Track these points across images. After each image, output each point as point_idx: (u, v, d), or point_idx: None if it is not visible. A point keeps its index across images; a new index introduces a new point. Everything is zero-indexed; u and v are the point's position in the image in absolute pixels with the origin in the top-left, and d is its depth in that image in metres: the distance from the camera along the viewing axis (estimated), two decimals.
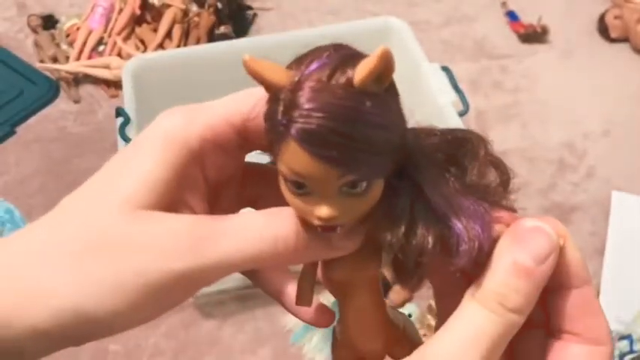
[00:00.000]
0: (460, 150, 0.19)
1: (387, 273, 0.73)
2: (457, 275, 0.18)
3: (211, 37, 0.99)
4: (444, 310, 0.20)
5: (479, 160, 0.19)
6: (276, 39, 0.77)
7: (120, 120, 0.64)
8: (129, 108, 0.65)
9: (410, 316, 0.68)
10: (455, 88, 0.68)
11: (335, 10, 1.11)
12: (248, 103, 0.19)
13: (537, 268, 0.18)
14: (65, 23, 1.01)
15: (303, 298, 0.22)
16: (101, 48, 0.98)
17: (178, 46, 0.98)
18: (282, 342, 0.68)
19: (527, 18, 1.06)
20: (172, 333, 0.69)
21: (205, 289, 0.71)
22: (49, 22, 1.02)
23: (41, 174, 0.85)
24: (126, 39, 0.99)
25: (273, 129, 0.16)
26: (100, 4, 0.99)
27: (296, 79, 0.16)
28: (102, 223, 0.17)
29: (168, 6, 1.00)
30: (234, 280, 0.72)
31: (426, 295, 0.71)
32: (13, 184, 0.84)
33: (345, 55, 0.18)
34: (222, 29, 1.00)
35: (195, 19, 1.01)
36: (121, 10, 1.00)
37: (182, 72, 0.74)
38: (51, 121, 0.92)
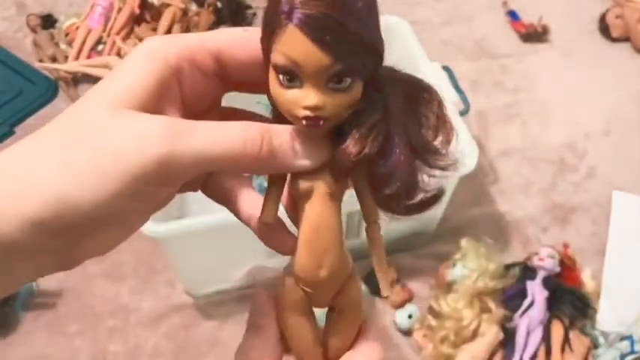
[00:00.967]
0: (420, 95, 0.22)
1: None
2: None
3: None
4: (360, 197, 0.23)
5: (433, 112, 0.21)
6: None
7: None
8: None
9: (410, 316, 0.67)
10: (456, 87, 0.68)
11: None
12: (223, 35, 0.21)
13: None
14: (64, 23, 1.00)
15: (267, 212, 0.22)
16: (100, 47, 0.98)
17: None
18: None
19: (528, 17, 1.06)
20: (172, 333, 0.69)
21: (205, 290, 0.71)
22: (48, 21, 1.02)
23: None
24: (125, 38, 0.99)
25: (274, 18, 0.18)
26: (99, 3, 0.99)
27: None
28: (87, 120, 0.19)
29: (168, 5, 1.00)
30: (234, 281, 0.72)
31: (426, 295, 0.71)
32: None
33: None
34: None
35: (195, 18, 1.00)
36: (120, 10, 1.00)
37: None
38: (50, 121, 0.92)
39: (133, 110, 0.19)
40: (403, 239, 0.74)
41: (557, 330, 0.65)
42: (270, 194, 0.22)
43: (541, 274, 0.68)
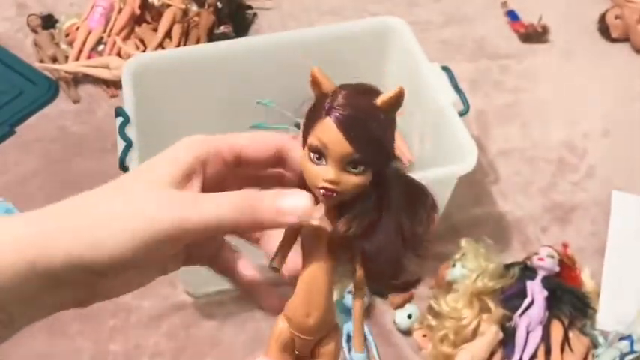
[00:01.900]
0: (418, 196, 0.27)
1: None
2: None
3: (211, 37, 0.99)
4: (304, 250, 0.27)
5: (425, 211, 0.27)
6: (276, 39, 0.77)
7: (119, 120, 0.64)
8: (128, 108, 0.65)
9: (410, 316, 0.68)
10: (455, 88, 0.68)
11: (335, 10, 1.11)
12: (244, 138, 0.28)
13: None
14: (65, 23, 1.00)
15: (277, 260, 0.27)
16: (101, 48, 0.98)
17: (178, 45, 0.98)
18: None
19: (528, 18, 1.06)
20: (173, 333, 0.69)
21: (206, 290, 0.71)
22: (48, 21, 1.02)
23: (41, 174, 0.85)
24: (125, 39, 0.99)
25: (318, 113, 0.24)
26: (100, 3, 0.99)
27: (339, 88, 0.25)
28: (128, 190, 0.25)
29: (168, 6, 1.00)
30: None
31: (425, 295, 0.71)
32: (13, 183, 0.84)
33: (368, 86, 0.26)
34: (222, 29, 1.00)
35: (195, 18, 1.01)
36: (120, 10, 1.00)
37: (182, 72, 0.74)
38: (50, 121, 0.92)
39: (166, 187, 0.25)
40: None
41: (556, 330, 0.65)
42: (282, 246, 0.27)
43: (541, 274, 0.68)
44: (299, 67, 0.83)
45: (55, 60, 0.97)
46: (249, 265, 0.31)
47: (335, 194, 0.24)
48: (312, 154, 0.24)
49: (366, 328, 0.68)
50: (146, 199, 0.24)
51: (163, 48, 0.97)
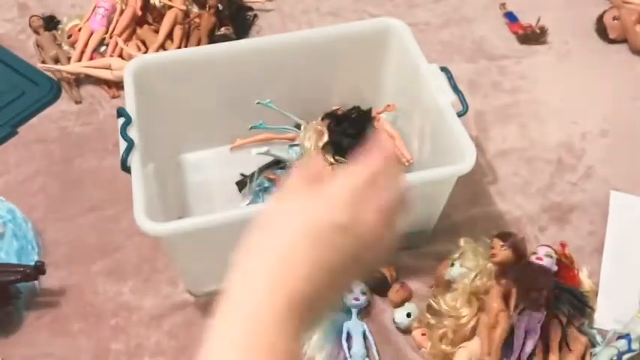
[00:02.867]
0: None
1: (387, 273, 0.73)
2: None
3: (212, 38, 0.99)
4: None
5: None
6: (277, 40, 0.78)
7: (121, 120, 0.64)
8: (130, 108, 0.66)
9: (409, 315, 0.68)
10: (454, 88, 0.69)
11: (335, 11, 1.11)
12: None
13: None
14: (67, 24, 1.01)
15: None
16: (102, 49, 0.99)
17: (179, 47, 0.98)
18: None
19: (526, 19, 1.06)
20: (174, 332, 0.69)
21: (207, 289, 0.72)
22: (50, 22, 1.03)
23: (42, 174, 0.85)
24: (127, 40, 0.99)
25: None
26: (102, 5, 1.00)
27: None
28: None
29: (170, 7, 1.01)
30: None
31: (425, 294, 0.72)
32: (15, 184, 0.84)
33: None
34: (223, 30, 1.01)
35: (196, 20, 1.01)
36: (122, 11, 1.00)
37: (183, 73, 0.74)
38: (52, 122, 0.92)
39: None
40: (402, 238, 0.75)
41: (555, 329, 0.65)
42: None
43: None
44: (299, 68, 0.84)
45: (57, 61, 0.98)
46: None
47: None
48: None
49: (365, 327, 0.69)
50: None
51: (165, 49, 0.97)
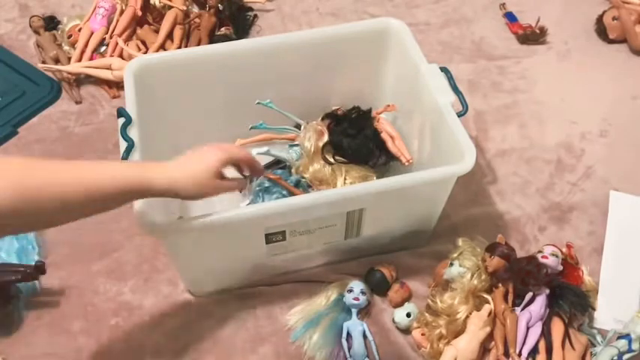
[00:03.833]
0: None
1: (387, 273, 0.73)
2: None
3: (212, 39, 1.00)
4: None
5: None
6: (277, 40, 0.78)
7: (121, 120, 0.64)
8: (130, 108, 0.66)
9: (409, 315, 0.68)
10: (454, 88, 0.69)
11: (335, 11, 1.11)
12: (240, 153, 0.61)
13: None
14: (67, 24, 1.01)
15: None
16: (103, 49, 0.99)
17: (179, 47, 0.98)
18: (283, 340, 0.69)
19: (526, 19, 1.06)
20: (174, 332, 0.70)
21: (206, 289, 0.72)
22: (50, 23, 1.03)
23: None
24: (127, 40, 1.00)
25: None
26: (102, 5, 1.00)
27: None
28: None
29: (170, 7, 1.01)
30: (236, 279, 0.73)
31: (424, 294, 0.72)
32: None
33: None
34: (223, 30, 1.01)
35: (196, 20, 1.01)
36: (122, 12, 1.01)
37: (183, 73, 0.74)
38: (53, 122, 0.92)
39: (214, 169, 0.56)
40: (402, 238, 0.75)
41: (557, 326, 0.66)
42: None
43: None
44: (299, 68, 0.84)
45: (57, 61, 0.98)
46: None
47: None
48: None
49: (365, 327, 0.69)
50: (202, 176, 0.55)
51: (165, 49, 0.98)
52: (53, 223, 0.51)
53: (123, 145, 0.63)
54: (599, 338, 0.67)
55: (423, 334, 0.67)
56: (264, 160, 0.80)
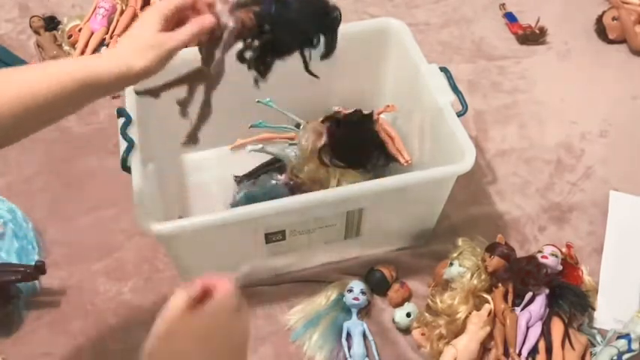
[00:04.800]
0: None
1: (387, 273, 0.73)
2: None
3: None
4: None
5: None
6: None
7: (121, 120, 0.64)
8: (130, 108, 0.66)
9: (409, 315, 0.68)
10: (453, 88, 0.69)
11: None
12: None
13: None
14: (67, 24, 1.01)
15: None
16: (103, 49, 0.99)
17: None
18: (283, 340, 0.69)
19: (526, 19, 1.07)
20: None
21: None
22: (51, 23, 1.03)
23: (43, 174, 0.86)
24: None
25: None
26: (102, 5, 1.00)
27: None
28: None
29: None
30: (236, 279, 0.73)
31: (424, 293, 0.72)
32: (16, 183, 0.84)
33: None
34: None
35: None
36: (122, 12, 1.01)
37: (183, 72, 0.74)
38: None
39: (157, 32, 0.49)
40: (402, 238, 0.75)
41: (557, 326, 0.66)
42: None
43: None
44: (299, 67, 0.84)
45: None
46: None
47: None
48: None
49: (365, 327, 0.69)
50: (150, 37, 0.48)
51: None
52: (9, 135, 0.46)
53: (123, 145, 0.63)
54: (598, 338, 0.67)
55: (423, 334, 0.67)
56: (261, 159, 0.80)
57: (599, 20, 1.05)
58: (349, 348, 0.67)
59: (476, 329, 0.65)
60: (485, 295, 0.67)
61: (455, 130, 0.65)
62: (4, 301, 0.69)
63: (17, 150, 0.88)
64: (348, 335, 0.68)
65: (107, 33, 0.99)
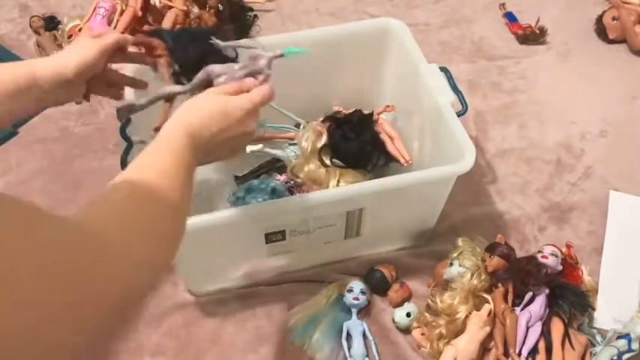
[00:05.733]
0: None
1: (387, 272, 0.73)
2: None
3: None
4: None
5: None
6: (277, 40, 0.78)
7: None
8: None
9: (409, 315, 0.68)
10: (453, 88, 0.69)
11: (335, 11, 1.11)
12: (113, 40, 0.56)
13: None
14: (67, 24, 1.01)
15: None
16: None
17: None
18: (283, 340, 0.69)
19: (526, 19, 1.07)
20: (174, 332, 0.70)
21: (207, 289, 0.72)
22: (51, 23, 1.03)
23: (43, 174, 0.86)
24: None
25: None
26: (102, 5, 1.00)
27: None
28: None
29: (170, 7, 1.01)
30: (236, 279, 0.73)
31: (424, 293, 0.72)
32: (16, 184, 0.84)
33: None
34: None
35: (197, 20, 1.01)
36: (122, 12, 1.01)
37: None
38: (53, 122, 0.92)
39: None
40: (402, 238, 0.75)
41: (557, 326, 0.66)
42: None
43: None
44: (299, 68, 0.84)
45: None
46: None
47: None
48: None
49: (365, 327, 0.69)
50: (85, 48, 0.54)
51: None
52: None
53: (123, 145, 0.63)
54: (598, 338, 0.67)
55: (422, 334, 0.67)
56: (260, 159, 0.80)
57: (599, 20, 1.05)
58: (349, 348, 0.67)
59: (476, 329, 0.65)
60: (485, 295, 0.67)
61: (455, 130, 0.65)
62: None
63: (17, 150, 0.89)
64: (348, 335, 0.68)
65: None
